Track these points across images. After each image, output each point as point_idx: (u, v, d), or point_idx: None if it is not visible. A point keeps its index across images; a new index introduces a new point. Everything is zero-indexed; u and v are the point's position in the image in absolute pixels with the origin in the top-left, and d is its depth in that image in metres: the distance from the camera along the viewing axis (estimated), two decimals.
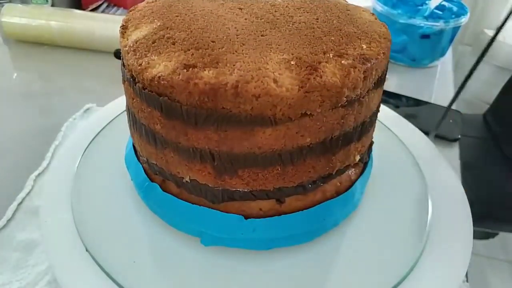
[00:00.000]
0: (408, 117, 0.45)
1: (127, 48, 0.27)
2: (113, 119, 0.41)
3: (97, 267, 0.28)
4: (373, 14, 0.32)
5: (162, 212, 0.31)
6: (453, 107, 0.58)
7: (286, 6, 0.30)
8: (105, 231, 0.31)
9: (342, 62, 0.25)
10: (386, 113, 0.42)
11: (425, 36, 0.66)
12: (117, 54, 0.60)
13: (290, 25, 0.28)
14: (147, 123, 0.27)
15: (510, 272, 1.08)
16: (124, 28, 0.29)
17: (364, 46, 0.26)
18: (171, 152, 0.27)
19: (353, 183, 0.31)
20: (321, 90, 0.23)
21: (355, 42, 0.27)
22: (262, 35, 0.27)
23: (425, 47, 0.68)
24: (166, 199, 0.30)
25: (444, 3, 0.70)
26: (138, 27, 0.28)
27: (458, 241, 0.31)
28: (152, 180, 0.31)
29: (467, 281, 0.36)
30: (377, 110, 0.31)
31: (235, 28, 0.27)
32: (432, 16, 0.68)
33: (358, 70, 0.25)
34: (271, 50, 0.25)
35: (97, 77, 0.62)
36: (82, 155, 0.37)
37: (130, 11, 0.31)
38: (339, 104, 0.25)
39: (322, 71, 0.24)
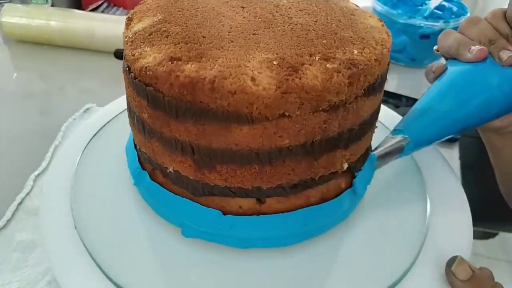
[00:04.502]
0: None
1: (126, 39, 0.28)
2: (113, 119, 0.41)
3: (96, 267, 0.28)
4: (380, 20, 0.31)
5: (150, 199, 0.32)
6: None
7: (289, 8, 0.30)
8: (105, 231, 0.31)
9: (327, 65, 0.24)
10: (386, 113, 0.42)
11: (425, 36, 0.66)
12: (117, 54, 0.60)
13: (286, 26, 0.28)
14: (137, 112, 0.28)
15: (510, 272, 1.08)
16: (129, 20, 0.30)
17: (355, 51, 0.26)
18: (156, 142, 0.28)
19: (342, 191, 0.30)
20: (300, 92, 0.23)
21: (347, 46, 0.26)
22: (253, 34, 0.27)
23: (425, 47, 0.67)
24: (154, 187, 0.30)
25: (444, 3, 0.70)
26: (142, 19, 0.29)
27: (458, 241, 0.31)
28: (143, 168, 0.32)
29: None
30: (372, 120, 0.29)
31: (230, 25, 0.28)
32: (432, 16, 0.68)
33: (343, 75, 0.24)
34: (257, 49, 0.25)
35: (97, 77, 0.62)
36: (82, 155, 0.37)
37: (139, 4, 0.32)
38: (320, 108, 0.24)
39: (303, 73, 0.24)
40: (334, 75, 0.24)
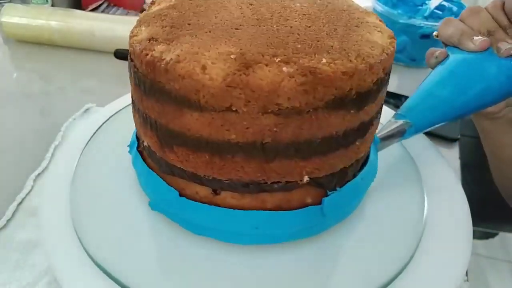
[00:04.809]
0: None
1: (139, 18, 0.30)
2: (113, 119, 0.41)
3: (96, 266, 0.28)
4: (391, 38, 0.29)
5: (136, 170, 0.33)
6: None
7: (296, 11, 0.30)
8: (104, 230, 0.31)
9: (283, 68, 0.23)
10: (386, 113, 0.42)
11: (425, 36, 0.66)
12: (117, 54, 0.60)
13: (274, 26, 0.27)
14: (131, 84, 0.30)
15: (510, 272, 1.08)
16: (152, 3, 0.32)
17: (324, 60, 0.24)
18: (137, 115, 0.30)
19: (306, 206, 0.29)
20: (244, 89, 0.23)
21: (319, 54, 0.25)
22: (236, 28, 0.27)
23: (425, 47, 0.67)
24: (137, 158, 0.32)
25: (444, 3, 0.70)
26: (160, 3, 0.31)
27: (458, 241, 0.31)
28: (137, 140, 0.33)
29: (467, 280, 0.36)
30: (347, 138, 0.27)
31: (222, 18, 0.28)
32: (432, 16, 0.68)
33: (295, 80, 0.23)
34: (226, 42, 0.25)
35: (97, 77, 0.62)
36: (82, 155, 0.37)
37: None
38: (270, 110, 0.24)
39: (253, 71, 0.23)
40: (285, 79, 0.23)
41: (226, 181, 0.27)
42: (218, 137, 0.25)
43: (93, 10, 0.77)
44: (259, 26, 0.27)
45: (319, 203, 0.29)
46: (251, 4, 0.30)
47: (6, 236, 0.36)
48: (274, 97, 0.23)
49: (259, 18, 0.29)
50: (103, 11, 0.77)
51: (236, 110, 0.24)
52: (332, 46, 0.26)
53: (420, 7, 0.71)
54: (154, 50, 0.25)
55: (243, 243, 0.30)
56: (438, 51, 0.36)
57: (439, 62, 0.36)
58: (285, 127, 0.25)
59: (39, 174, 0.42)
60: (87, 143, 0.38)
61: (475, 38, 0.33)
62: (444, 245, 0.31)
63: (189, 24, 0.27)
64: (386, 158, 0.36)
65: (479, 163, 0.48)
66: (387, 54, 0.27)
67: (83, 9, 0.76)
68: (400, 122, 0.34)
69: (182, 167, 0.28)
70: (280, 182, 0.27)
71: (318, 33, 0.27)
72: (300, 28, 0.27)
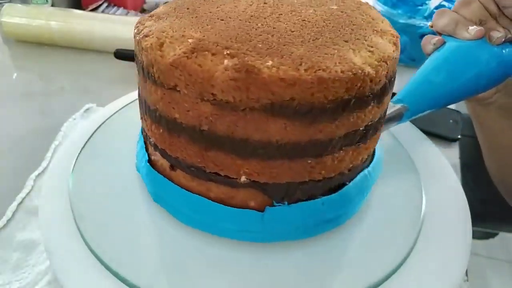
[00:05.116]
0: None
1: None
2: (113, 120, 0.41)
3: (98, 265, 0.28)
4: (379, 62, 0.26)
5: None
6: (453, 107, 0.58)
7: (299, 15, 0.29)
8: (106, 230, 0.31)
9: (225, 61, 0.24)
10: None
11: None
12: (117, 54, 0.60)
13: (259, 24, 0.28)
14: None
15: (510, 272, 1.08)
16: None
17: (269, 63, 0.24)
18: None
19: (248, 208, 0.29)
20: (183, 71, 0.24)
21: (271, 57, 0.24)
22: (222, 20, 0.28)
23: None
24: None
25: (444, 3, 0.70)
26: None
27: (458, 240, 0.31)
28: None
29: (467, 280, 0.36)
30: (296, 149, 0.26)
31: (222, 9, 0.30)
32: (432, 16, 0.68)
33: (228, 74, 0.23)
34: (199, 28, 0.27)
35: (97, 77, 0.62)
36: (82, 154, 0.37)
37: None
38: (205, 98, 0.25)
39: (196, 57, 0.24)
40: (220, 70, 0.24)
41: (175, 158, 0.29)
42: (167, 113, 0.27)
43: (93, 10, 0.77)
44: (246, 21, 0.28)
45: (263, 210, 0.29)
46: (265, 3, 0.31)
47: (6, 236, 0.36)
48: (209, 86, 0.24)
49: (254, 15, 0.29)
50: (103, 11, 0.77)
51: (179, 91, 0.25)
52: (292, 53, 0.25)
53: (420, 7, 0.71)
54: (144, 24, 0.28)
55: (187, 224, 0.31)
56: (436, 38, 0.38)
57: (436, 49, 0.38)
58: (220, 118, 0.25)
59: (39, 174, 0.42)
60: (87, 142, 0.38)
61: (470, 28, 0.35)
62: (444, 245, 0.31)
63: (188, 8, 0.29)
64: (385, 157, 0.36)
65: (479, 163, 0.48)
66: (353, 74, 0.24)
67: (83, 9, 0.76)
68: (398, 106, 0.35)
69: (148, 136, 0.31)
70: (220, 175, 0.28)
71: (295, 39, 0.26)
72: (282, 31, 0.27)
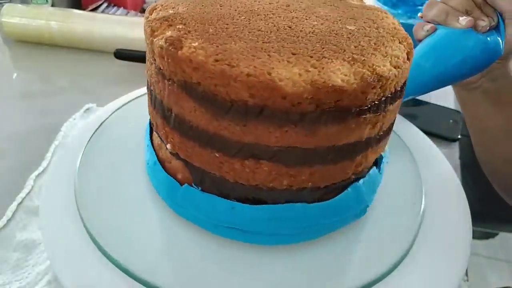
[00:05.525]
0: (408, 117, 0.45)
1: None
2: (113, 119, 0.41)
3: (98, 265, 0.28)
4: (362, 81, 0.24)
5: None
6: (453, 107, 0.58)
7: (306, 18, 0.29)
8: (107, 229, 0.31)
9: (200, 50, 0.25)
10: None
11: None
12: (117, 54, 0.60)
13: (252, 20, 0.28)
14: None
15: (510, 272, 1.08)
16: None
17: (227, 54, 0.24)
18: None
19: (177, 180, 0.31)
20: (177, 64, 0.25)
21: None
22: (222, 12, 0.29)
23: None
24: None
25: None
26: None
27: (457, 240, 0.31)
28: None
29: (467, 280, 0.36)
30: (251, 150, 0.26)
31: (233, 4, 0.31)
32: None
33: (202, 59, 0.24)
34: (195, 18, 0.28)
35: (97, 77, 0.62)
36: (82, 154, 0.37)
37: None
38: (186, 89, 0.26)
39: (179, 40, 0.25)
40: (197, 52, 0.24)
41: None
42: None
43: (93, 10, 0.77)
44: (246, 18, 0.29)
45: (186, 181, 0.30)
46: (288, 6, 0.31)
47: (6, 236, 0.36)
48: (191, 79, 0.25)
49: (260, 13, 0.29)
50: (103, 11, 0.77)
51: (169, 79, 0.27)
52: (262, 49, 0.25)
53: (420, 7, 0.71)
54: (155, 9, 0.30)
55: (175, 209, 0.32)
56: (429, 25, 0.40)
57: (428, 35, 0.40)
58: (203, 114, 0.26)
59: (39, 174, 0.42)
60: (87, 142, 0.38)
61: (461, 18, 0.38)
62: (444, 244, 0.31)
63: (203, 19, 0.29)
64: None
65: (479, 163, 0.48)
66: (318, 88, 0.23)
67: (83, 9, 0.76)
68: None
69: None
70: (161, 138, 0.31)
71: (282, 36, 0.27)
72: (273, 28, 0.28)
